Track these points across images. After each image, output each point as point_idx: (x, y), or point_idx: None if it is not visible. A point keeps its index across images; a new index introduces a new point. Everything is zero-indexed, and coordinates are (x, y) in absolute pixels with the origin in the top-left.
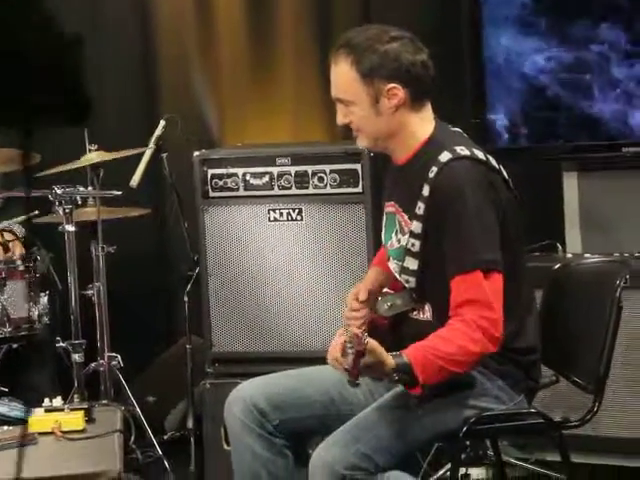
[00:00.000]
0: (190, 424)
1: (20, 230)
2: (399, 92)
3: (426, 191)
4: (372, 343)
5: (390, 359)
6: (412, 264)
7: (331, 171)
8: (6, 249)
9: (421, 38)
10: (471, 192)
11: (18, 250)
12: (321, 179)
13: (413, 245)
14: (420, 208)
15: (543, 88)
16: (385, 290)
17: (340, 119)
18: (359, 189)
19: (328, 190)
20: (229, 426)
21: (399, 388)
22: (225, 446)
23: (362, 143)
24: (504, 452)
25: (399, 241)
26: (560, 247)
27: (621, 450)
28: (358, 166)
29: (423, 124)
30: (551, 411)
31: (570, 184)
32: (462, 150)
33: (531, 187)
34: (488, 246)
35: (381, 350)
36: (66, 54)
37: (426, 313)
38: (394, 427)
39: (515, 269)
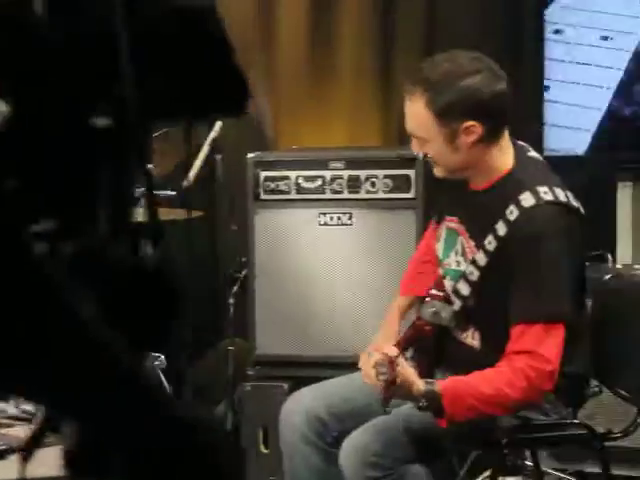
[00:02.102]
0: (229, 426)
1: None
2: (476, 129)
3: (502, 230)
4: (403, 369)
5: (421, 384)
6: (464, 289)
7: (384, 176)
8: None
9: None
10: (550, 243)
11: None
12: (373, 184)
13: (471, 273)
14: (491, 243)
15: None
16: (433, 292)
17: (416, 149)
18: (411, 195)
19: (380, 195)
20: (285, 436)
21: None
22: (263, 449)
23: (439, 174)
24: (542, 462)
25: (458, 264)
26: (610, 258)
27: None
28: (411, 172)
29: (502, 155)
30: (593, 422)
31: (624, 194)
32: (545, 194)
33: (583, 196)
34: (558, 298)
35: (412, 373)
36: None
37: (475, 340)
38: (428, 421)
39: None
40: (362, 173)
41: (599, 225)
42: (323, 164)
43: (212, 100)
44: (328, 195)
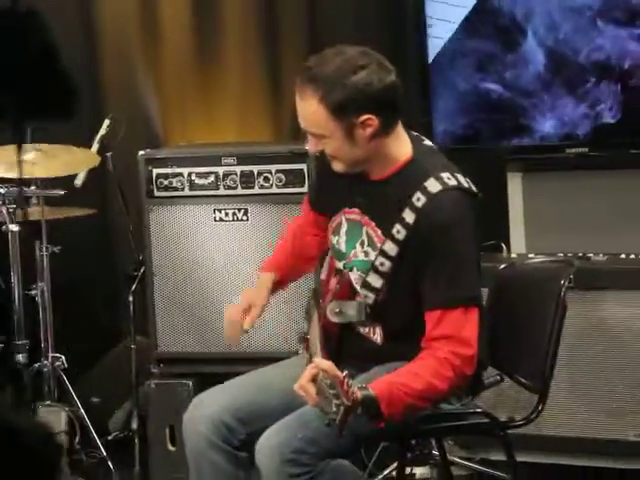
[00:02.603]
0: (134, 424)
1: None
2: (372, 122)
3: (410, 218)
4: (353, 388)
5: (358, 393)
6: (376, 282)
7: (277, 171)
8: None
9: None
10: (459, 228)
11: None
12: (267, 179)
13: (382, 264)
14: (400, 232)
15: (488, 88)
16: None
17: (312, 148)
18: (305, 189)
19: (274, 190)
20: (190, 442)
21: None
22: (170, 446)
23: (339, 169)
24: (449, 451)
25: (366, 254)
26: (504, 247)
27: (564, 449)
28: (304, 166)
29: (400, 145)
30: (496, 410)
31: (514, 185)
32: (449, 179)
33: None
34: (471, 283)
35: (355, 388)
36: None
37: (376, 335)
38: None
39: None
40: (255, 168)
41: (492, 215)
42: (216, 160)
43: (38, 102)
44: (222, 191)
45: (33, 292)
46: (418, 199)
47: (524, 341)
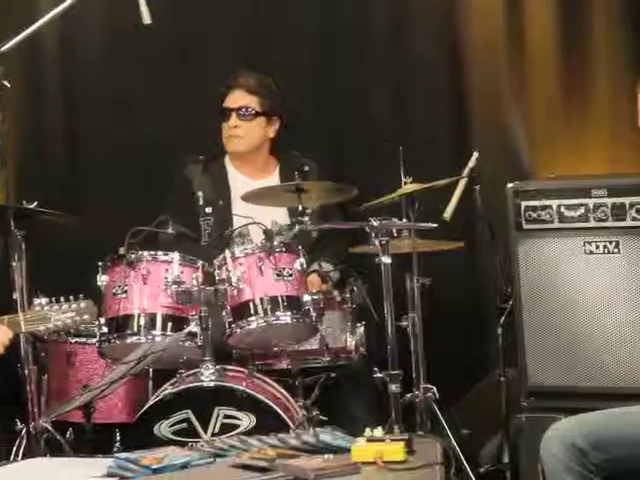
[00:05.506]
0: (506, 458)
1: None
2: None
3: None
4: None
5: None
6: None
7: None
8: (324, 280)
9: None
10: None
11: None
12: (639, 211)
13: None
14: None
15: None
16: None
17: None
18: None
19: None
20: (547, 465)
21: None
22: None
23: None
24: None
25: None
26: None
27: None
28: None
29: None
30: None
31: None
32: None
33: None
34: None
35: None
36: None
37: None
38: None
39: None
40: (627, 200)
41: None
42: (585, 192)
43: None
44: (592, 223)
45: (404, 323)
46: None
47: None
